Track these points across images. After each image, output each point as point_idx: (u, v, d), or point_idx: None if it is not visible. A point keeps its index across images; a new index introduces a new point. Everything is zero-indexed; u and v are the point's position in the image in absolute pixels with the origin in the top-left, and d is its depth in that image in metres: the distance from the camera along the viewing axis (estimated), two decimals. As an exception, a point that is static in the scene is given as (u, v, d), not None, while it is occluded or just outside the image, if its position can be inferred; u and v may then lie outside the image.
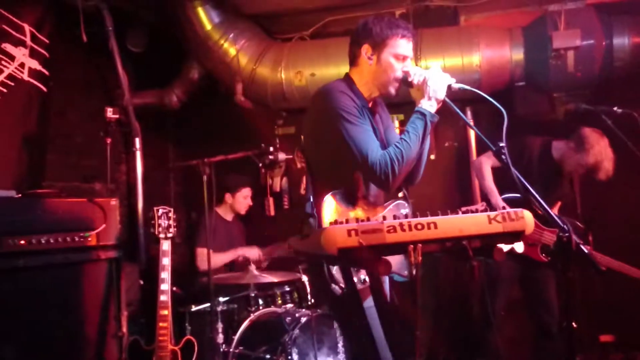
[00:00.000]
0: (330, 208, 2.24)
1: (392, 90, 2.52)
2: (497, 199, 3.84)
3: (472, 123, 4.82)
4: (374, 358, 2.08)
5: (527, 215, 1.87)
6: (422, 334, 4.66)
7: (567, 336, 2.04)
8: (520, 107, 4.72)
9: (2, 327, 2.79)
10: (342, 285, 2.21)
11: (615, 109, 3.82)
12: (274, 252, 4.91)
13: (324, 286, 2.22)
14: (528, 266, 3.86)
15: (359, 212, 2.29)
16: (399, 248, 1.78)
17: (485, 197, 3.96)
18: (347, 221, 1.77)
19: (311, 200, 2.38)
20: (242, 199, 5.02)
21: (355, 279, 2.17)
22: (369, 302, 2.03)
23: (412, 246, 1.76)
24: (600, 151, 3.71)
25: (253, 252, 4.77)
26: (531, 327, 4.11)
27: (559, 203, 4.08)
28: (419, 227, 1.77)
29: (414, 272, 1.81)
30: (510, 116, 2.21)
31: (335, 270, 2.20)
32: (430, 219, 1.79)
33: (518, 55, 4.55)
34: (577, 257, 1.93)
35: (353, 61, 2.59)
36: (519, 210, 1.87)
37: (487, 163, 3.96)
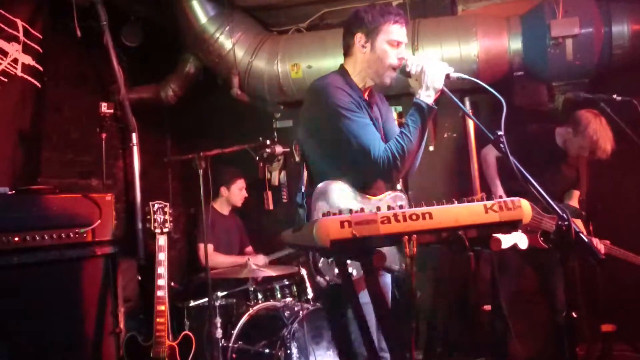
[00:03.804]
0: (323, 199, 2.21)
1: (387, 80, 2.49)
2: (497, 187, 3.88)
3: (470, 113, 4.80)
4: (368, 350, 2.05)
5: (525, 204, 1.84)
6: (420, 326, 4.66)
7: (568, 326, 2.01)
8: (519, 96, 4.68)
9: (-2, 324, 2.77)
10: (327, 278, 2.19)
11: (614, 96, 3.79)
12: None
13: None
14: (533, 256, 3.85)
15: (353, 204, 2.25)
16: (394, 239, 1.74)
17: (487, 187, 3.97)
18: (339, 212, 1.74)
19: (302, 190, 2.36)
20: (238, 191, 5.02)
21: (336, 272, 2.15)
22: (364, 298, 2.00)
23: (406, 237, 1.73)
24: (595, 130, 3.68)
25: (258, 260, 4.75)
26: (541, 317, 4.11)
27: (577, 193, 4.04)
28: (414, 217, 1.73)
29: (410, 264, 1.77)
30: (509, 106, 2.17)
31: (320, 262, 2.18)
32: (425, 209, 1.76)
33: (516, 44, 4.50)
34: (577, 245, 1.90)
35: (347, 51, 2.57)
36: (515, 199, 1.84)
37: (492, 153, 4.01)
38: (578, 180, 4.03)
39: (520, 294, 4.23)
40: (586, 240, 1.85)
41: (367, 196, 2.35)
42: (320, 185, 2.25)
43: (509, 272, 3.99)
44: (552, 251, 3.71)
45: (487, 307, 4.30)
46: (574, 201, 3.99)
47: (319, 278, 2.20)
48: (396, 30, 2.45)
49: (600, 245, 3.69)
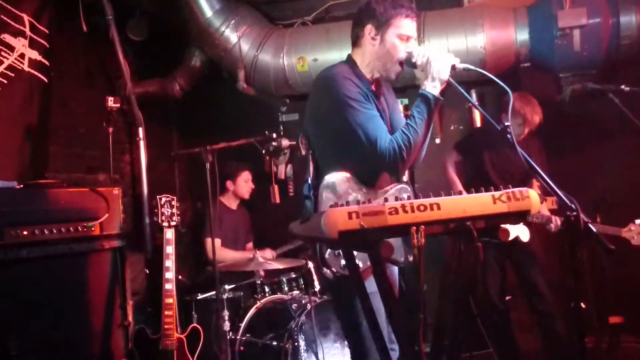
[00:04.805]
0: (329, 191, 2.21)
1: (393, 75, 2.49)
2: (457, 188, 4.17)
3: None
4: (376, 342, 2.05)
5: (533, 194, 1.83)
6: (427, 318, 4.65)
7: (576, 317, 2.01)
8: (526, 88, 4.65)
9: (7, 318, 2.79)
10: (334, 270, 2.19)
11: (622, 87, 3.77)
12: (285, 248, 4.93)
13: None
14: (507, 250, 4.02)
15: (360, 196, 2.25)
16: (402, 230, 1.74)
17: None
18: (347, 204, 1.73)
19: (309, 182, 2.36)
20: (244, 183, 5.02)
21: (342, 263, 2.16)
22: (372, 288, 2.00)
23: (414, 228, 1.72)
24: (521, 105, 3.99)
25: (266, 255, 4.75)
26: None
27: (534, 180, 4.12)
28: (422, 208, 1.73)
29: (418, 255, 1.77)
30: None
31: (327, 254, 2.18)
32: (433, 199, 1.75)
33: (523, 35, 4.47)
34: (586, 236, 1.89)
35: (356, 42, 2.55)
36: (524, 189, 1.83)
37: (450, 159, 4.41)
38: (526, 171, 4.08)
39: (517, 287, 4.26)
40: (595, 230, 1.85)
41: (373, 188, 2.34)
42: (326, 177, 2.25)
43: (492, 267, 4.06)
44: (528, 245, 3.84)
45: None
46: (534, 187, 4.03)
47: (325, 270, 2.21)
48: (407, 25, 2.43)
49: (559, 221, 3.86)
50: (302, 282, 4.35)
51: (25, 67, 3.69)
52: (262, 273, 4.30)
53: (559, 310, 3.95)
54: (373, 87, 2.52)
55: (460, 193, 1.83)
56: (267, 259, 4.38)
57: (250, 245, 5.14)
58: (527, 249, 3.98)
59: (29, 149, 3.74)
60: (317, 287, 4.12)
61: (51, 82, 3.93)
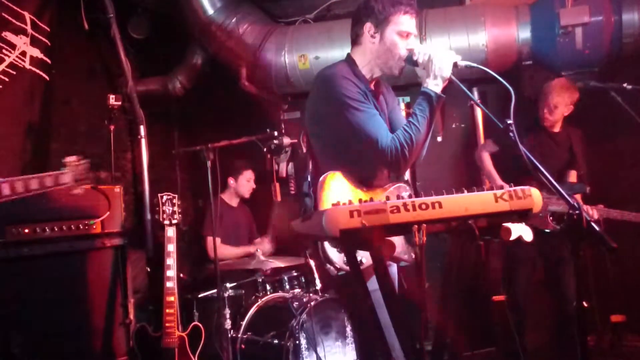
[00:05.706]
0: (329, 188, 2.20)
1: (396, 71, 2.47)
2: (496, 181, 4.04)
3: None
4: (379, 340, 2.05)
5: (535, 192, 1.83)
6: (429, 316, 4.65)
7: (579, 316, 2.01)
8: (528, 86, 4.65)
9: (8, 316, 2.80)
10: (337, 266, 2.18)
11: (625, 85, 3.75)
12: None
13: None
14: (545, 247, 3.89)
15: (360, 194, 2.25)
16: (403, 229, 1.74)
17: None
18: (349, 202, 1.73)
19: (308, 179, 2.35)
20: (246, 182, 5.02)
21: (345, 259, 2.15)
22: (373, 285, 2.00)
23: (416, 226, 1.72)
24: (549, 84, 3.96)
25: (265, 247, 4.75)
26: (550, 308, 4.11)
27: (574, 173, 4.09)
28: (423, 206, 1.72)
29: (420, 253, 1.77)
30: (518, 96, 2.15)
31: (329, 250, 2.17)
32: (434, 198, 1.75)
33: (525, 33, 4.46)
34: (589, 234, 1.88)
35: (355, 40, 2.54)
36: (526, 187, 1.82)
37: (485, 151, 4.23)
38: (573, 159, 4.09)
39: (533, 285, 4.24)
40: (598, 229, 1.84)
41: (372, 187, 2.34)
42: (325, 175, 2.25)
43: (523, 264, 4.02)
44: (562, 239, 3.79)
45: (497, 298, 4.30)
46: (572, 178, 4.02)
47: (328, 266, 2.20)
48: (406, 22, 2.42)
49: (593, 211, 3.81)
50: (303, 281, 4.35)
51: (27, 65, 3.68)
52: (267, 271, 4.29)
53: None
54: (372, 87, 2.51)
55: (501, 187, 1.83)
56: (267, 256, 4.38)
57: (258, 240, 5.12)
58: (562, 250, 3.91)
59: (31, 146, 3.74)
60: (319, 286, 4.12)
61: (52, 80, 3.92)
